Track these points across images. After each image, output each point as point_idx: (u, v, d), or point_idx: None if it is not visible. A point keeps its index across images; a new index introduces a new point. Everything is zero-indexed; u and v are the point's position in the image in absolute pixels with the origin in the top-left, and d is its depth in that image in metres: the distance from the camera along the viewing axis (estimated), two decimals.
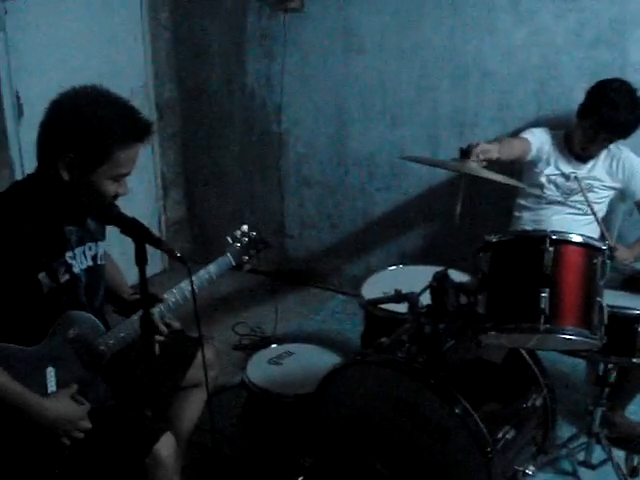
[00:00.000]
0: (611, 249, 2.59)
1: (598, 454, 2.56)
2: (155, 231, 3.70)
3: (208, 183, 4.46)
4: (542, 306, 1.84)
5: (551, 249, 1.89)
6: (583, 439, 2.58)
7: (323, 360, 2.54)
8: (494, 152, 2.51)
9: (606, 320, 1.93)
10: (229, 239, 2.22)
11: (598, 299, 1.93)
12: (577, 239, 1.95)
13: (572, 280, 1.92)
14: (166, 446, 1.78)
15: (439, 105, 3.55)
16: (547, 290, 1.86)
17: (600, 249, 1.97)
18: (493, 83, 3.35)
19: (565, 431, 2.72)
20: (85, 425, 1.78)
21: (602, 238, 2.61)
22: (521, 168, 3.06)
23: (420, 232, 3.81)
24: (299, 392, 2.39)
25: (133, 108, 1.81)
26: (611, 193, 2.98)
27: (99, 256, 2.00)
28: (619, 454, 2.57)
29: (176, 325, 2.02)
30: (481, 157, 2.36)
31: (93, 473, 1.78)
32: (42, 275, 1.79)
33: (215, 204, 4.44)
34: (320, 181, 4.06)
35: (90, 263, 1.95)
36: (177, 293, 2.02)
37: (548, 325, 1.85)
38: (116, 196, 1.82)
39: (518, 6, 3.20)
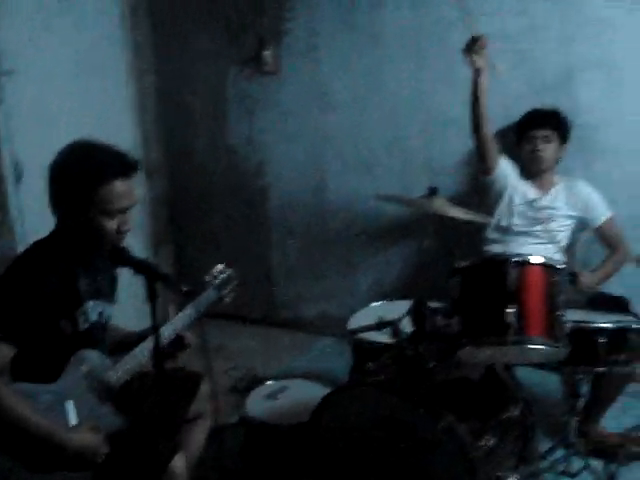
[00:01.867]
0: (574, 274, 2.87)
1: (577, 463, 2.67)
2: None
3: (197, 239, 4.66)
4: (509, 320, 2.07)
5: (514, 270, 2.13)
6: (562, 451, 2.77)
7: (317, 392, 2.63)
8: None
9: (567, 331, 2.16)
10: (207, 277, 2.44)
11: (559, 313, 2.16)
12: (537, 260, 2.19)
13: (535, 297, 2.16)
14: (180, 464, 1.96)
15: (409, 153, 3.81)
16: (513, 306, 2.10)
17: (558, 269, 2.21)
18: (457, 130, 3.60)
19: (546, 444, 2.90)
20: (103, 450, 1.95)
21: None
22: (490, 204, 3.30)
23: (399, 270, 4.02)
24: (296, 422, 2.54)
25: (112, 150, 2.02)
26: (572, 222, 3.20)
27: (105, 315, 2.20)
28: (597, 463, 2.74)
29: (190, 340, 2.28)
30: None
31: None
32: (65, 323, 2.01)
33: (204, 258, 4.60)
34: (303, 231, 4.29)
35: (97, 318, 2.15)
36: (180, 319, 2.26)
37: (516, 337, 2.08)
38: (120, 232, 2.03)
39: None
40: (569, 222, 3.21)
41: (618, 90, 3.29)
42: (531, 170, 3.22)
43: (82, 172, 1.96)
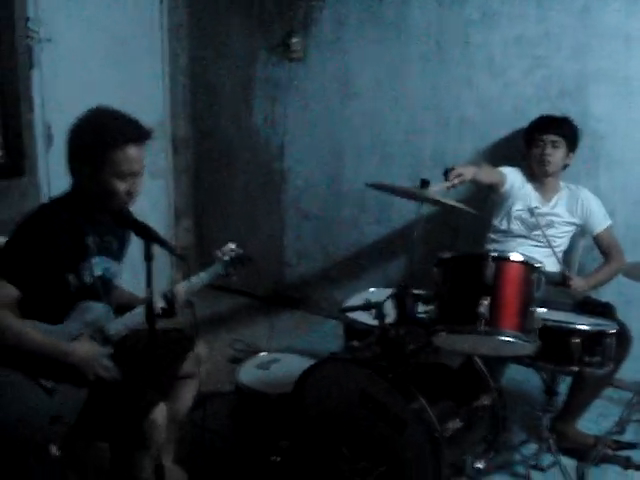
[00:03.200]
0: (566, 277, 2.96)
1: (548, 458, 2.79)
2: (165, 257, 4.02)
3: (216, 214, 4.84)
4: (482, 311, 2.18)
5: (493, 264, 2.24)
6: (535, 446, 2.87)
7: (305, 365, 2.74)
8: (468, 174, 2.90)
9: (539, 326, 2.27)
10: (218, 253, 2.57)
11: (532, 309, 2.27)
12: (516, 257, 2.30)
13: (510, 291, 2.27)
14: (161, 414, 2.13)
15: (423, 147, 3.93)
16: (488, 298, 2.20)
17: (536, 267, 2.31)
18: (471, 129, 3.72)
19: (520, 437, 3.02)
20: (107, 363, 2.15)
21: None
22: (493, 204, 3.41)
23: (405, 260, 4.14)
24: (282, 391, 2.69)
25: (127, 118, 2.18)
26: (571, 229, 3.29)
27: (110, 271, 2.35)
28: (570, 462, 2.84)
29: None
30: (456, 182, 2.77)
31: (100, 432, 2.14)
32: (71, 276, 2.18)
33: (221, 233, 4.77)
34: (317, 215, 4.43)
35: (101, 273, 2.31)
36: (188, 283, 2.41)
37: (487, 327, 2.19)
38: (129, 194, 2.18)
39: (492, 63, 3.61)
40: (569, 228, 3.29)
41: (629, 102, 3.36)
42: (537, 173, 3.30)
43: (98, 135, 2.12)
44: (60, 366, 2.08)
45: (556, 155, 3.24)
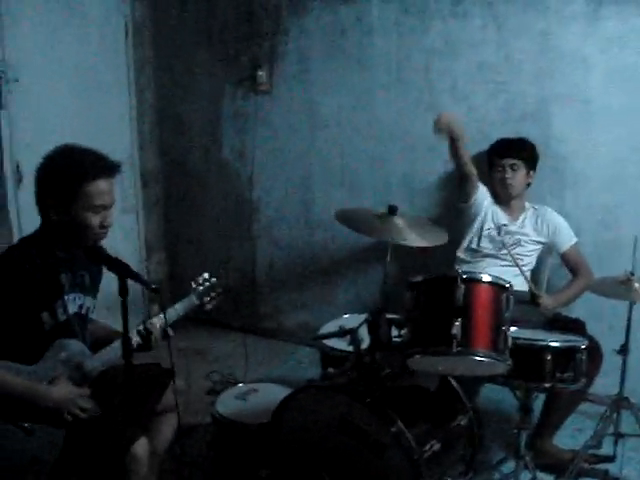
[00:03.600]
0: (535, 296, 3.02)
1: (527, 475, 2.76)
2: (138, 290, 4.03)
3: (188, 246, 4.83)
4: (454, 332, 2.22)
5: (462, 286, 2.29)
6: (513, 462, 2.90)
7: (283, 394, 2.73)
8: (457, 129, 3.15)
9: (510, 345, 2.31)
10: (193, 283, 2.60)
11: (503, 328, 2.31)
12: (486, 278, 2.35)
13: (481, 312, 2.30)
14: (142, 448, 2.13)
15: (391, 173, 3.99)
16: (459, 319, 2.24)
17: (505, 287, 2.36)
18: (438, 154, 3.77)
19: (498, 456, 3.05)
20: (84, 404, 2.15)
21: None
22: (463, 223, 3.45)
23: (378, 285, 4.11)
24: (262, 421, 2.68)
25: (96, 153, 2.23)
26: (538, 247, 3.36)
27: (85, 307, 2.37)
28: (549, 478, 2.89)
29: (171, 333, 2.40)
30: (443, 129, 3.07)
31: (81, 469, 2.13)
32: (46, 315, 2.19)
33: (194, 265, 4.75)
34: (288, 243, 4.45)
35: (76, 310, 2.32)
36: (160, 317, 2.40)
37: (460, 348, 2.23)
38: (103, 227, 2.21)
39: (455, 89, 3.69)
40: (536, 247, 3.36)
41: (589, 123, 3.46)
42: (501, 196, 3.38)
43: (69, 170, 2.16)
44: (37, 408, 2.08)
45: (516, 178, 3.33)
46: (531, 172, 3.36)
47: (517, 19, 3.53)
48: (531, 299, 3.03)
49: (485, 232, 3.36)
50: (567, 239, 3.35)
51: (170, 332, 2.40)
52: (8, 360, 2.11)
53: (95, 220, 2.19)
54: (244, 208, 4.55)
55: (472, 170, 3.36)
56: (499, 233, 3.28)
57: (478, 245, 3.37)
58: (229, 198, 4.59)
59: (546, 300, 3.06)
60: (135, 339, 2.32)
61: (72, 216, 2.17)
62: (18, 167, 3.69)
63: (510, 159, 3.31)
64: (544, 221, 3.36)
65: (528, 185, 3.39)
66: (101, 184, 2.19)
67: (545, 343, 2.47)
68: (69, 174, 2.15)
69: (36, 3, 3.73)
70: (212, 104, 4.47)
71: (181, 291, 2.60)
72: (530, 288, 3.04)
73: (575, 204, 3.54)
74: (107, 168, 2.22)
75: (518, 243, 3.31)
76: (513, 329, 2.43)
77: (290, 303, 4.54)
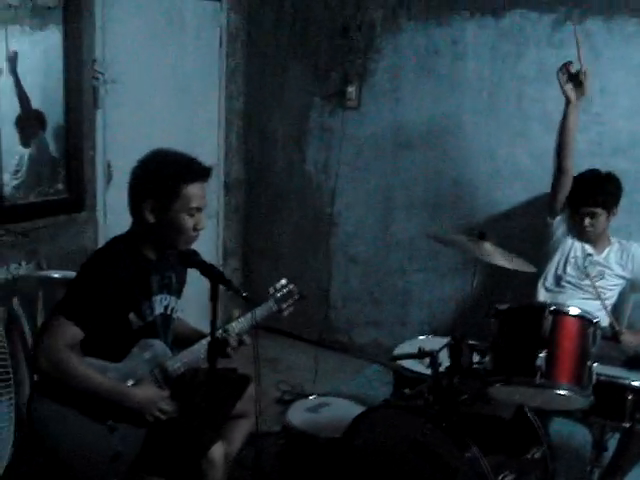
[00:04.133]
0: (616, 332, 2.96)
1: None
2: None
3: (264, 254, 4.91)
4: (539, 364, 2.20)
5: (550, 317, 2.26)
6: None
7: (356, 411, 2.73)
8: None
9: (594, 381, 2.27)
10: (271, 289, 2.62)
11: (589, 363, 2.28)
12: (574, 311, 2.32)
13: (567, 345, 2.28)
14: (219, 452, 2.18)
15: (475, 198, 3.97)
16: (544, 351, 2.22)
17: (592, 322, 2.32)
18: (523, 182, 3.76)
19: None
20: (165, 407, 2.21)
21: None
22: (550, 247, 3.37)
23: (452, 308, 4.17)
24: (331, 435, 2.69)
25: (191, 157, 2.30)
26: (621, 282, 3.28)
27: (170, 307, 2.42)
28: None
29: (247, 341, 2.41)
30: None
31: (158, 468, 2.19)
32: (133, 315, 2.25)
33: (268, 274, 4.80)
34: (365, 259, 4.48)
35: (162, 310, 2.38)
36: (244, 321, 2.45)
37: (543, 380, 2.21)
38: (196, 230, 2.26)
39: (546, 117, 3.64)
40: (619, 282, 3.29)
41: None
42: (582, 237, 3.31)
43: (171, 172, 2.22)
44: (121, 407, 2.15)
45: (596, 225, 3.21)
46: (614, 210, 3.22)
47: (615, 51, 3.49)
48: (612, 335, 2.97)
49: (571, 259, 3.28)
50: None
51: (247, 340, 2.43)
52: (94, 357, 2.19)
53: (190, 222, 2.24)
54: (323, 222, 4.59)
55: (570, 166, 3.21)
56: (585, 261, 3.21)
57: (564, 271, 3.29)
58: (309, 211, 4.64)
59: (628, 337, 3.00)
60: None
61: (169, 217, 2.22)
62: (109, 166, 3.80)
63: (587, 207, 3.17)
64: (630, 256, 3.28)
65: (609, 223, 3.27)
66: (197, 187, 2.25)
67: (628, 382, 2.44)
68: (170, 175, 2.21)
69: (137, 8, 3.85)
70: (299, 117, 4.54)
71: (254, 299, 2.61)
72: (611, 323, 2.99)
73: None
74: (203, 172, 2.29)
75: (602, 275, 3.24)
76: (594, 365, 2.38)
77: (363, 319, 4.55)
